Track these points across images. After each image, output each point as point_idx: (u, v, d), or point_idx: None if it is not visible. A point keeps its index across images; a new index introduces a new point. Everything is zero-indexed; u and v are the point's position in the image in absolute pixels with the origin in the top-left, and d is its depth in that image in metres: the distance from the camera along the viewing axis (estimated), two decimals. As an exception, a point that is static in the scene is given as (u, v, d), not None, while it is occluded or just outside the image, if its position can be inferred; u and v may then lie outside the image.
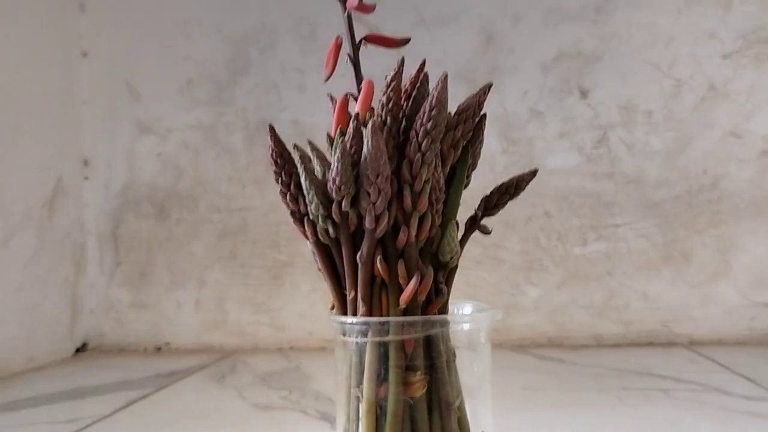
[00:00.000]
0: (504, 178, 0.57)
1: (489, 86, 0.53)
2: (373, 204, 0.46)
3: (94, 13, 1.41)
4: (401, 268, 0.48)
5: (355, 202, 0.47)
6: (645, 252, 1.31)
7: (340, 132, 0.51)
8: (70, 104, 1.39)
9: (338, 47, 0.55)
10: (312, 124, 1.35)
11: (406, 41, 0.55)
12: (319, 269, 0.52)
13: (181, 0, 1.41)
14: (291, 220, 0.52)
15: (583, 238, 1.32)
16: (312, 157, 0.52)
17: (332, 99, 0.55)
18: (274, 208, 1.36)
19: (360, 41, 0.54)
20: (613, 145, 1.31)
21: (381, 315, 0.49)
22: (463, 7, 1.34)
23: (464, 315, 0.56)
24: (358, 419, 0.49)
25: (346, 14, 0.54)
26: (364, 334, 0.49)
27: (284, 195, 0.51)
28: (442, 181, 0.50)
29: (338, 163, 0.46)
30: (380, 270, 0.48)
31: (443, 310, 0.52)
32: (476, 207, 0.56)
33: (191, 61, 1.40)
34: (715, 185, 1.30)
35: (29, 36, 1.27)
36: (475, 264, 1.32)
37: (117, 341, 1.41)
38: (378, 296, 0.49)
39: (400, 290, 0.48)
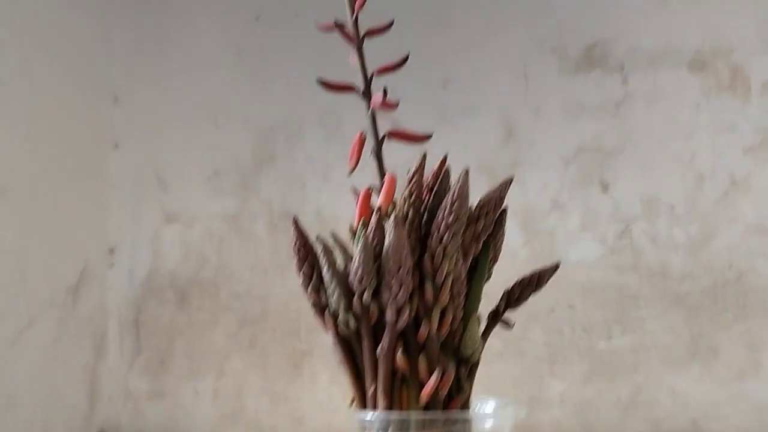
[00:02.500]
0: (526, 271, 0.57)
1: (510, 180, 0.53)
2: (395, 297, 0.46)
3: (126, 105, 1.46)
4: (422, 363, 0.48)
5: (376, 294, 0.48)
6: (672, 346, 1.28)
7: (363, 224, 0.52)
8: (99, 193, 1.42)
9: (362, 142, 0.56)
10: (335, 215, 1.36)
11: (428, 137, 0.57)
12: (339, 362, 0.52)
13: (211, 91, 1.45)
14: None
15: (608, 332, 1.30)
16: (334, 248, 0.52)
17: (355, 192, 0.56)
18: (295, 295, 1.35)
19: (383, 136, 0.56)
20: (636, 237, 1.31)
21: (401, 411, 0.48)
22: (483, 101, 1.37)
23: (487, 412, 0.54)
24: None
25: (370, 111, 0.56)
26: (385, 430, 0.48)
27: (306, 286, 0.51)
28: (463, 275, 0.50)
29: (360, 255, 0.47)
30: (401, 364, 0.48)
31: (465, 405, 0.51)
32: (498, 300, 0.56)
33: (218, 150, 1.43)
34: (740, 280, 1.28)
35: (64, 127, 1.32)
36: (497, 356, 1.29)
37: (133, 431, 1.39)
38: (398, 391, 0.49)
39: (421, 385, 0.48)
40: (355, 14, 0.56)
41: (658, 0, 1.36)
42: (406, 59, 0.56)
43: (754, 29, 1.32)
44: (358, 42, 0.56)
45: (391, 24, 0.57)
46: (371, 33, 0.56)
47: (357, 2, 0.56)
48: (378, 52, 0.61)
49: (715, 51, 1.33)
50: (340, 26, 0.56)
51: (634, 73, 1.35)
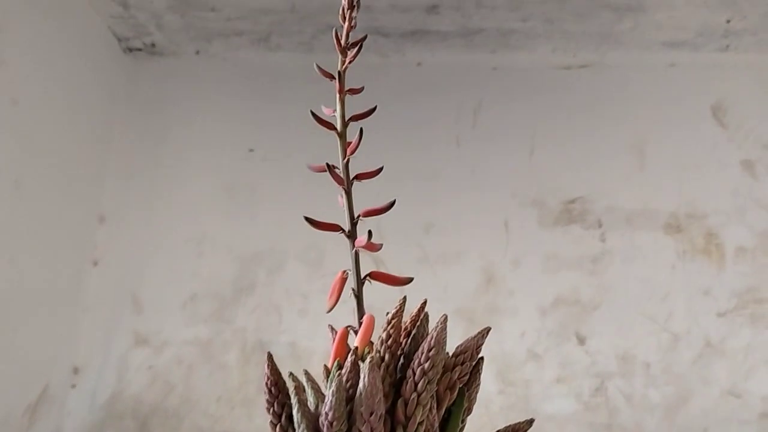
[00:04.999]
0: (499, 420, 0.56)
1: (487, 330, 0.53)
2: (365, 443, 0.45)
3: (111, 225, 1.47)
4: None
5: (346, 439, 0.46)
6: None
7: (338, 365, 0.51)
8: (72, 311, 1.40)
9: (343, 281, 0.56)
10: (309, 348, 1.34)
11: (409, 280, 0.57)
12: None
13: (198, 218, 1.47)
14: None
15: (581, 493, 1.25)
16: (306, 387, 0.51)
17: (333, 330, 0.55)
18: (260, 433, 1.31)
19: (365, 277, 0.56)
20: (611, 395, 1.29)
21: None
22: (465, 248, 1.39)
23: None
24: None
25: (353, 251, 0.56)
26: None
27: (274, 426, 0.49)
28: (436, 425, 0.49)
29: (333, 397, 0.46)
30: None
31: None
32: (470, 454, 0.54)
33: (198, 277, 1.43)
34: (717, 445, 1.25)
35: (47, 243, 1.31)
36: None
37: None
38: None
39: None
40: (346, 158, 0.58)
41: (635, 162, 1.42)
42: (392, 204, 0.57)
43: (727, 197, 1.38)
44: (347, 184, 0.58)
45: (380, 170, 0.59)
46: (361, 177, 0.58)
47: (349, 147, 0.58)
48: (365, 193, 0.62)
49: (690, 216, 1.38)
50: (331, 168, 0.57)
51: (612, 230, 1.39)
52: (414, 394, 0.47)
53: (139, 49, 1.55)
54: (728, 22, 1.38)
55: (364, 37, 0.59)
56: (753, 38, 1.42)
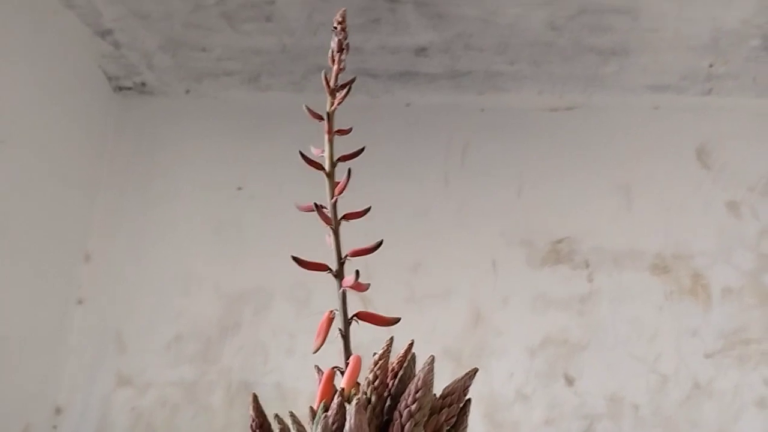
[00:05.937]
0: (487, 467, 0.55)
1: (474, 372, 0.53)
2: (350, 488, 0.44)
3: (97, 263, 1.46)
4: None
5: (331, 483, 0.45)
6: None
7: (324, 406, 0.51)
8: (55, 350, 1.38)
9: (330, 321, 0.56)
10: (295, 389, 1.33)
11: (396, 321, 0.57)
12: None
13: (184, 256, 1.46)
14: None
15: None
16: (292, 429, 0.51)
17: (319, 371, 0.55)
18: (245, 476, 1.28)
19: (352, 317, 0.56)
20: (600, 437, 1.28)
21: None
22: (453, 288, 1.39)
23: None
24: None
25: (341, 291, 0.56)
26: None
27: (259, 469, 0.49)
28: (423, 468, 0.48)
29: (318, 440, 0.45)
30: None
31: None
32: (457, 498, 0.53)
33: (184, 316, 1.42)
34: (706, 489, 1.24)
35: (31, 281, 1.30)
36: None
37: None
38: None
39: None
40: (334, 198, 0.58)
41: (621, 203, 1.43)
42: (379, 244, 0.57)
43: (713, 238, 1.39)
44: (335, 224, 0.58)
45: (367, 210, 0.59)
46: (348, 217, 0.58)
47: (337, 187, 0.58)
48: (353, 232, 0.62)
49: (677, 256, 1.39)
50: (319, 208, 0.57)
51: (599, 271, 1.39)
52: (401, 437, 0.46)
53: (130, 88, 1.56)
54: (711, 66, 1.41)
55: (353, 79, 0.59)
56: (735, 82, 1.45)
